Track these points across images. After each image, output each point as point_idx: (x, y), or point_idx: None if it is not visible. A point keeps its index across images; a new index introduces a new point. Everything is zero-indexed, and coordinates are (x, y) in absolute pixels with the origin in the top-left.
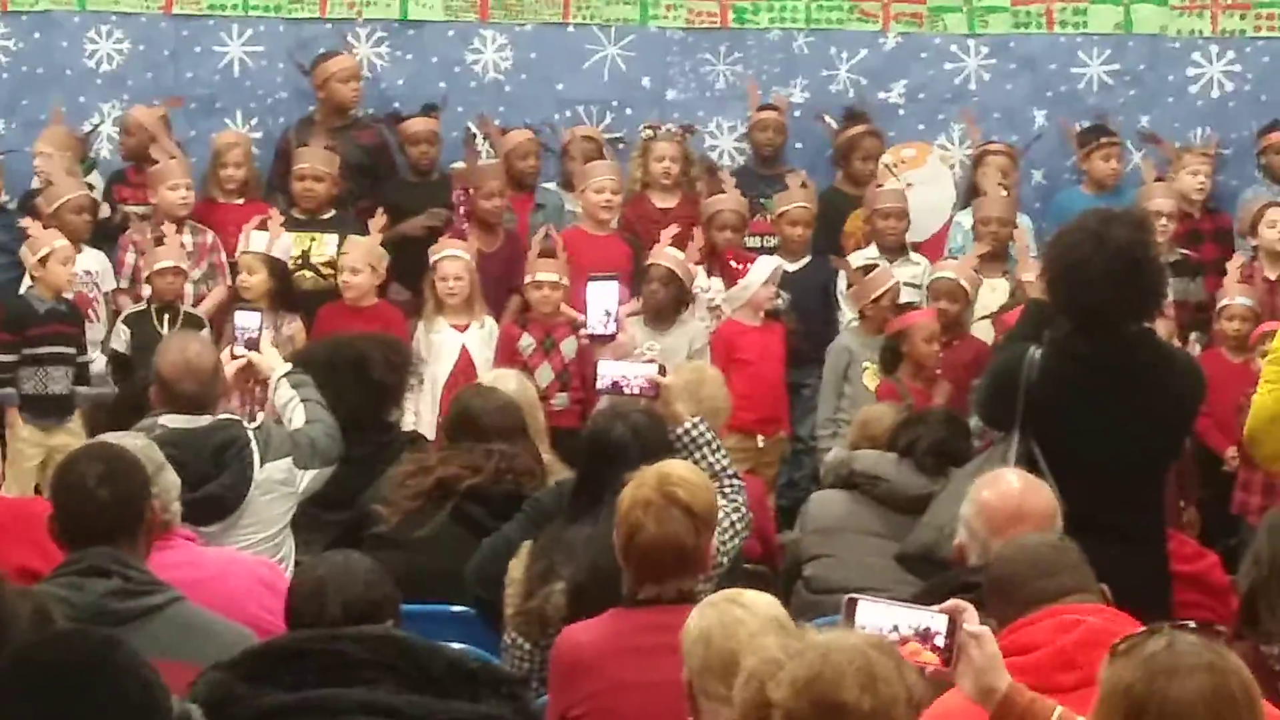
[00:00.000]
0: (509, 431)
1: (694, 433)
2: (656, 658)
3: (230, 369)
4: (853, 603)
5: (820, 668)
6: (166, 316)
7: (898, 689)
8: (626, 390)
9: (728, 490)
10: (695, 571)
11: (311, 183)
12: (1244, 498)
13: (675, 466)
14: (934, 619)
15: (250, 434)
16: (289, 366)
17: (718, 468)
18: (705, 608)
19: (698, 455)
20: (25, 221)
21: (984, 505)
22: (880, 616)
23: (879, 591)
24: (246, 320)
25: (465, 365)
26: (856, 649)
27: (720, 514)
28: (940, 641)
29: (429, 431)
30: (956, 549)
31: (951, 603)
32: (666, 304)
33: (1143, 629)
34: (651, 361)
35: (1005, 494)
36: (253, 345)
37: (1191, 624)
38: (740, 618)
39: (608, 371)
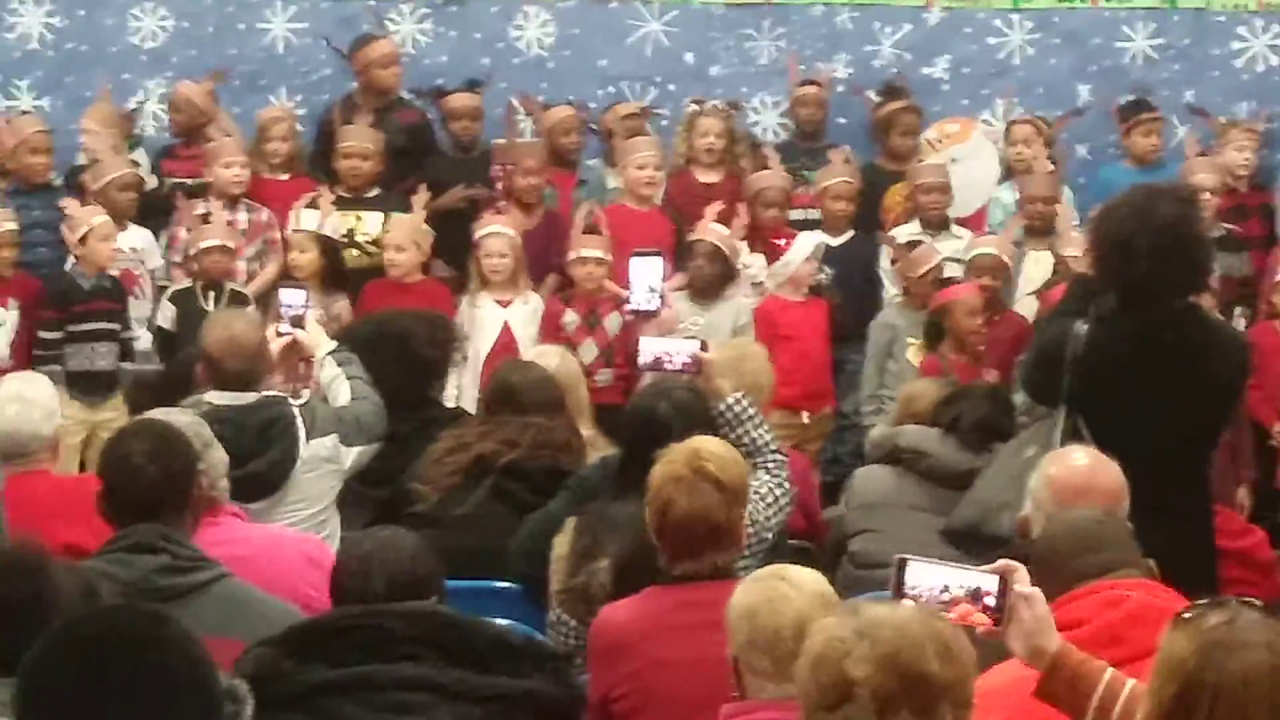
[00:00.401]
0: (547, 405)
1: (736, 408)
2: (697, 634)
3: (275, 346)
4: (903, 563)
5: (900, 642)
6: (212, 294)
7: (968, 659)
8: (669, 366)
9: (771, 466)
10: (729, 546)
11: (358, 161)
12: None
13: (705, 441)
14: (985, 579)
15: (296, 410)
16: (334, 344)
17: (760, 443)
18: (750, 583)
19: (740, 431)
20: (64, 202)
21: (1052, 479)
22: (931, 576)
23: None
24: (292, 298)
25: (507, 341)
26: (927, 622)
27: (764, 489)
28: (991, 601)
29: (471, 406)
30: (1021, 521)
31: (1002, 563)
32: (712, 280)
33: (1206, 600)
34: (693, 338)
35: (1075, 469)
36: (298, 323)
37: (1257, 601)
38: (786, 593)
39: (650, 348)
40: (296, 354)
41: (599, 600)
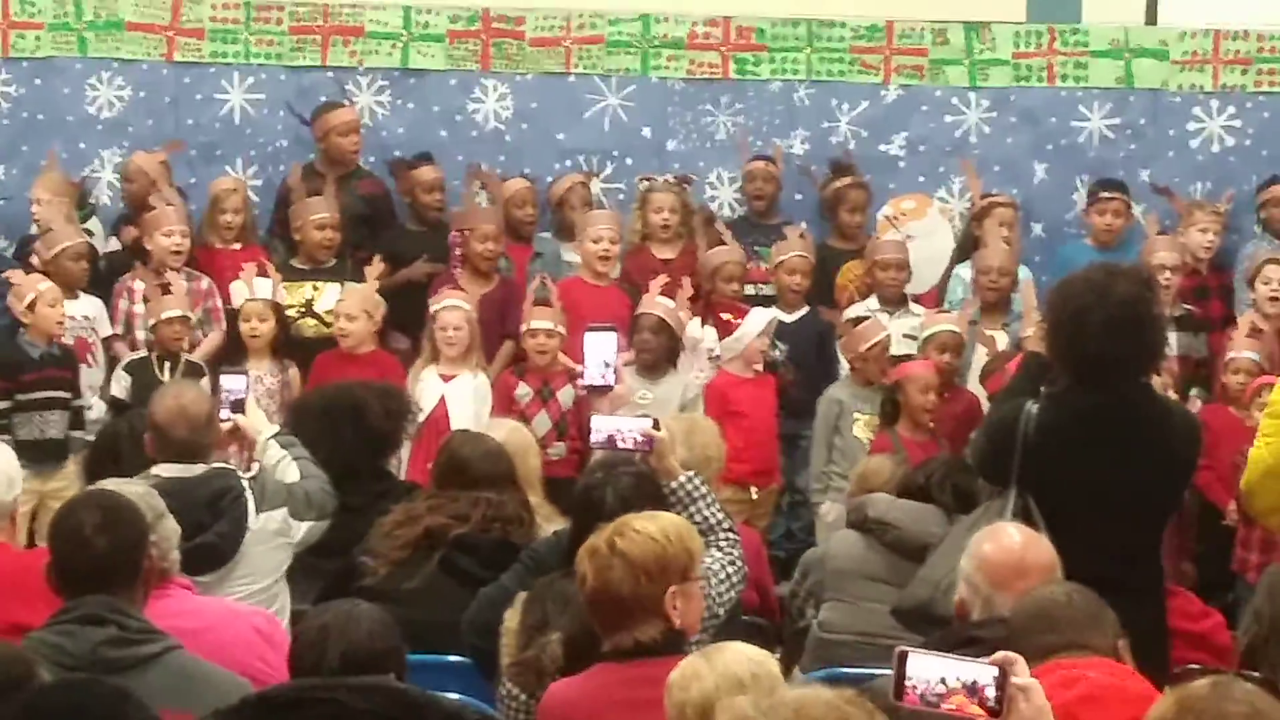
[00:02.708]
0: (497, 479)
1: (688, 486)
2: (643, 712)
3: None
4: (904, 656)
5: None
6: (167, 364)
7: None
8: (621, 444)
9: (724, 544)
10: (645, 621)
11: (330, 232)
12: (1243, 555)
13: (636, 517)
14: (983, 671)
15: (245, 483)
16: (276, 428)
17: (713, 521)
18: (684, 661)
19: (693, 509)
20: (8, 272)
21: (985, 559)
22: (931, 669)
23: (888, 640)
24: (233, 383)
25: (440, 415)
26: (830, 705)
27: (718, 565)
28: (991, 693)
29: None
30: (958, 604)
31: (1001, 655)
32: (658, 353)
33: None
34: (646, 415)
35: (1006, 548)
36: (239, 408)
37: (1256, 674)
38: (699, 671)
39: (602, 426)
40: (238, 439)
41: (550, 674)
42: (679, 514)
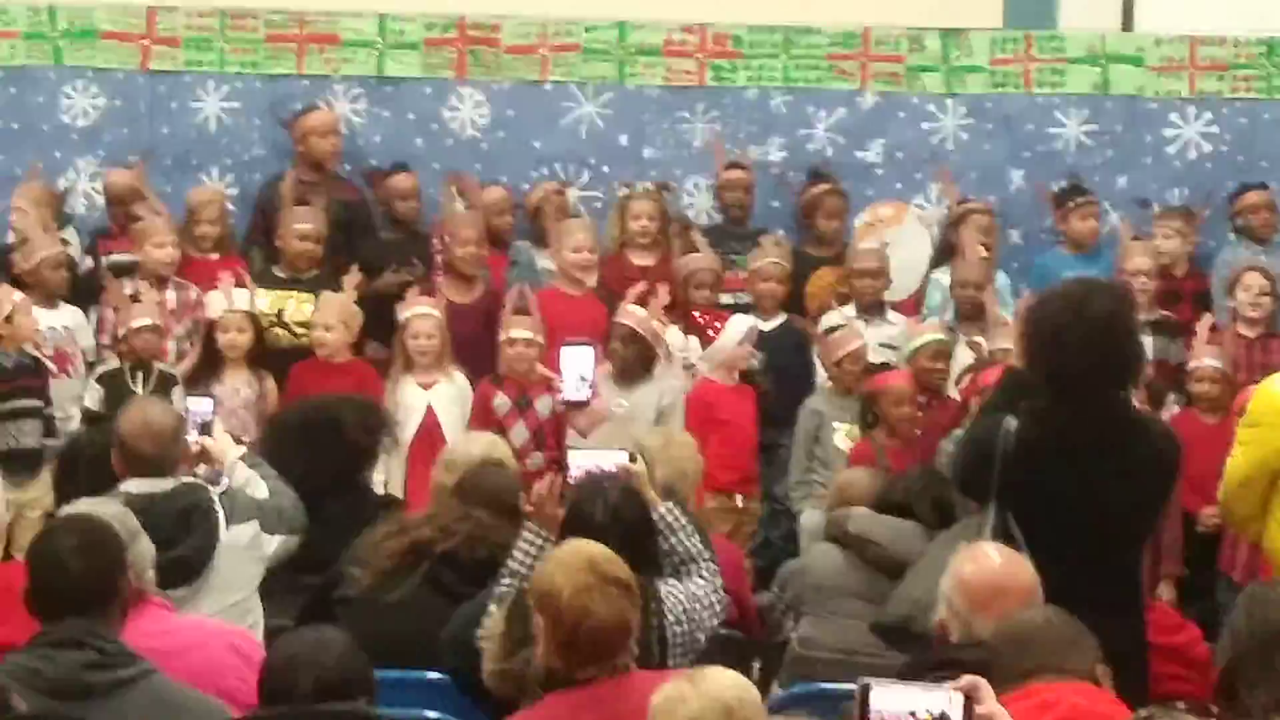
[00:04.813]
0: (501, 509)
1: (668, 518)
2: None
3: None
4: (866, 690)
5: None
6: (140, 374)
7: None
8: None
9: (706, 574)
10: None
11: (313, 244)
12: (1230, 553)
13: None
14: (950, 700)
15: (215, 497)
16: (243, 449)
17: (694, 551)
18: (669, 681)
19: (674, 540)
20: None
21: (964, 581)
22: (896, 701)
23: (867, 656)
24: (199, 405)
25: (431, 424)
26: None
27: (701, 593)
28: None
29: (398, 493)
30: (938, 625)
31: (967, 680)
32: (630, 362)
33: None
34: (622, 449)
35: (986, 569)
36: (206, 430)
37: (1181, 704)
38: (684, 695)
39: (578, 462)
40: (205, 461)
41: (531, 688)
42: (660, 543)
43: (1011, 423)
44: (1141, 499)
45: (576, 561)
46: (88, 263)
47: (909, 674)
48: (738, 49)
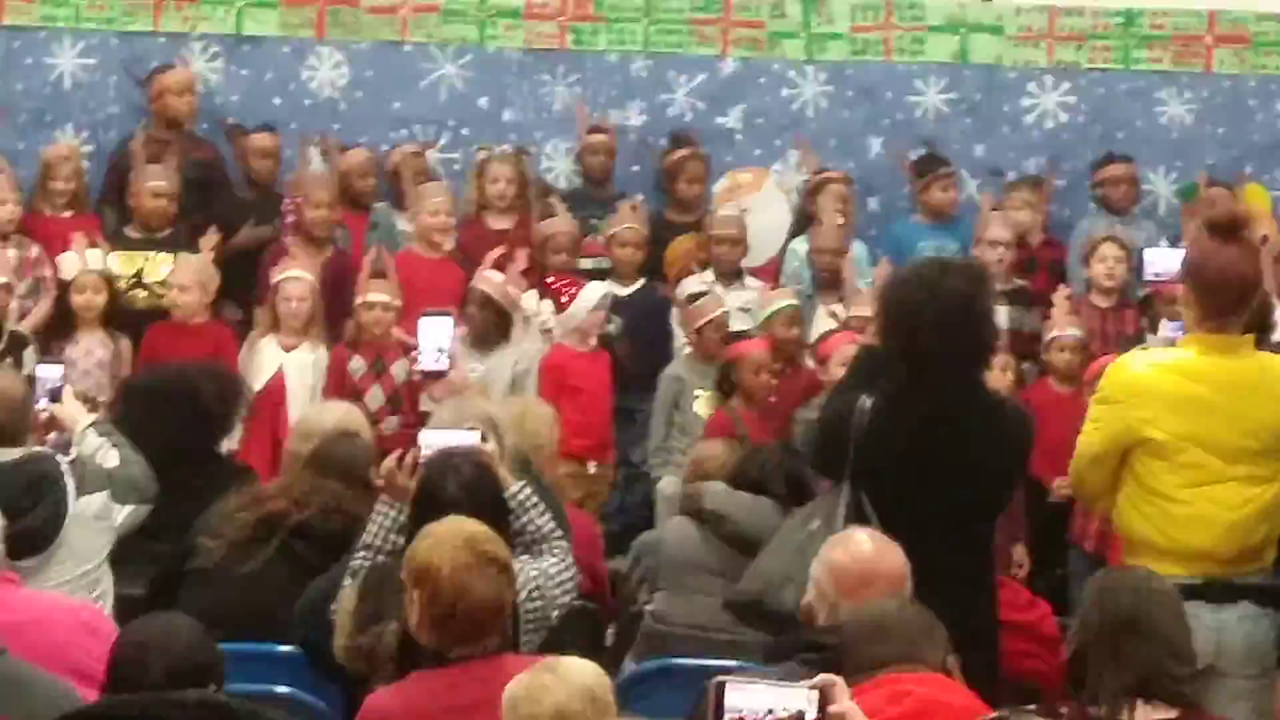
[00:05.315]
0: (353, 480)
1: (520, 497)
2: (471, 715)
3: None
4: (720, 687)
5: None
6: None
7: None
8: None
9: (557, 551)
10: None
11: (165, 201)
12: (1082, 524)
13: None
14: (807, 698)
15: (64, 467)
16: (93, 417)
17: (546, 530)
18: (523, 673)
19: (525, 519)
20: None
21: (834, 566)
22: (750, 699)
23: (720, 633)
24: (48, 372)
25: (277, 386)
26: None
27: (553, 570)
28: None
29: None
30: (804, 608)
31: (822, 678)
32: (485, 327)
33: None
34: (474, 428)
35: (856, 555)
36: (55, 397)
37: (1032, 707)
38: (547, 684)
39: (431, 441)
40: (55, 428)
41: (383, 663)
42: (512, 522)
43: (866, 401)
44: (994, 477)
45: (455, 539)
46: None
47: (772, 656)
48: (599, 13)
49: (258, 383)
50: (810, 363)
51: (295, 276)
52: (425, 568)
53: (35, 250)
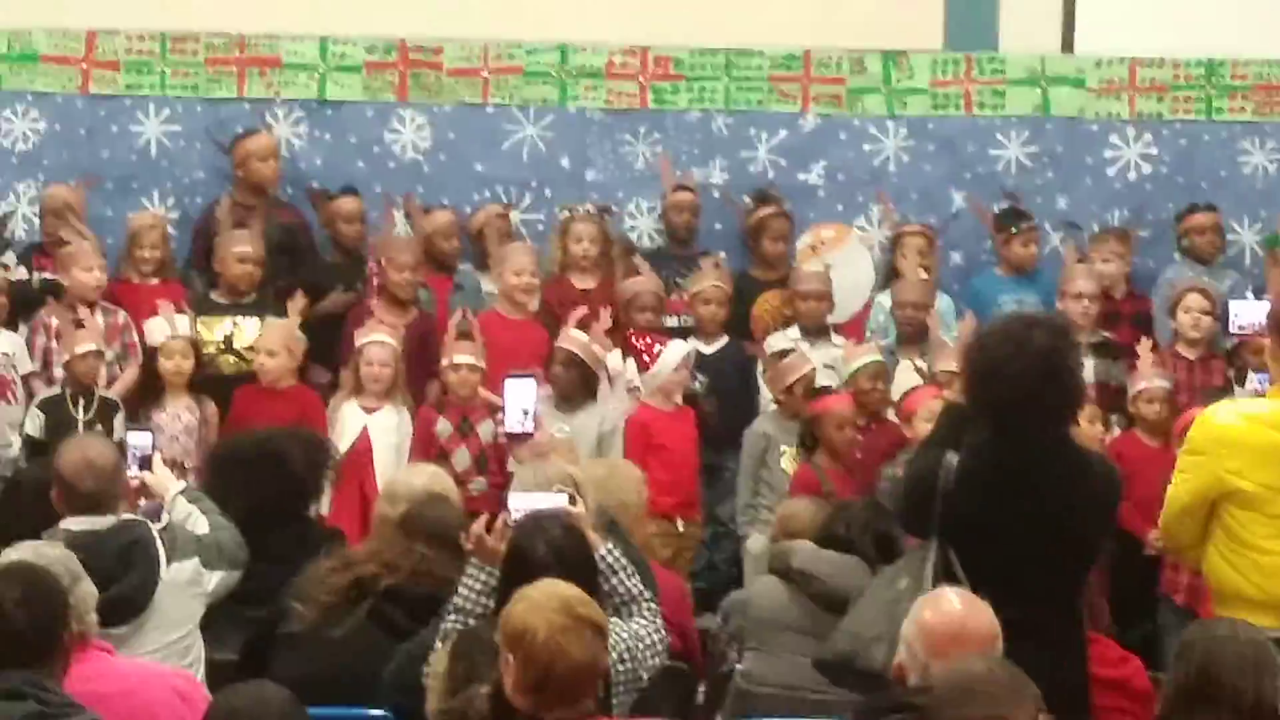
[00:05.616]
0: (445, 544)
1: (609, 559)
2: None
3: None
4: None
5: None
6: (81, 400)
7: None
8: None
9: (647, 614)
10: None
11: (252, 267)
12: (1172, 576)
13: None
14: None
15: (156, 533)
16: (184, 484)
17: (635, 592)
18: None
19: (614, 580)
20: None
21: (924, 626)
22: None
23: (810, 692)
24: (139, 440)
25: (364, 447)
26: None
27: (644, 633)
28: None
29: (323, 512)
30: (896, 668)
31: None
32: (571, 387)
33: None
34: (563, 491)
35: (946, 615)
36: (146, 465)
37: None
38: None
39: (519, 505)
40: (146, 495)
41: None
42: (601, 584)
43: (952, 457)
44: (1082, 533)
45: (551, 602)
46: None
47: (862, 716)
48: (679, 71)
49: (343, 446)
50: (894, 418)
51: (379, 341)
52: (521, 631)
53: (121, 316)
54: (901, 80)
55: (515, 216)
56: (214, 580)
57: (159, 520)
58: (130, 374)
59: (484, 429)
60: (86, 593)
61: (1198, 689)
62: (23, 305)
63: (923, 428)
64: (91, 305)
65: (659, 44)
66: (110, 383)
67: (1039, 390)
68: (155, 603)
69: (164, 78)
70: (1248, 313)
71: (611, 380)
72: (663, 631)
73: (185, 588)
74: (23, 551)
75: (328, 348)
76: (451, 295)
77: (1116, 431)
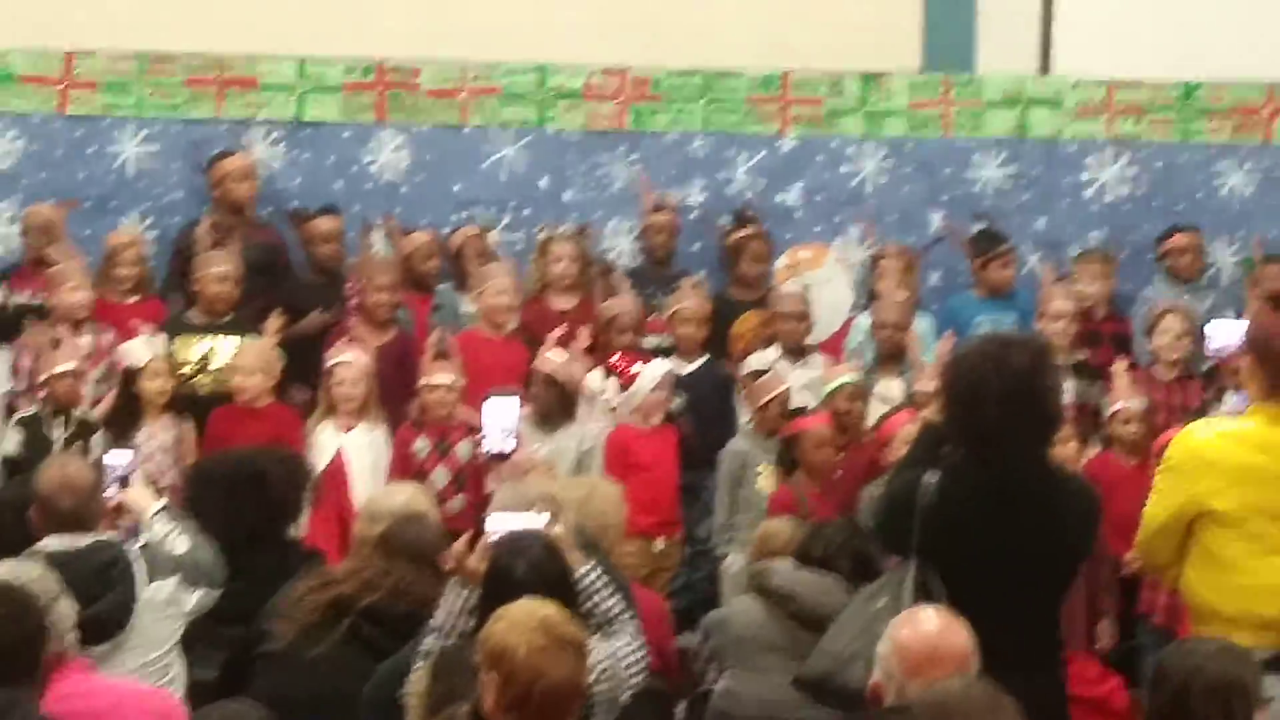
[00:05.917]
0: (425, 564)
1: (587, 579)
2: None
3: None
4: None
5: None
6: (60, 420)
7: None
8: None
9: (627, 633)
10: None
11: (230, 287)
12: (1150, 595)
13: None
14: None
15: (134, 553)
16: (162, 503)
17: (615, 611)
18: None
19: (596, 598)
20: None
21: (899, 644)
22: None
23: (790, 712)
24: (116, 459)
25: (337, 468)
26: None
27: (624, 652)
28: None
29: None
30: (872, 687)
31: None
32: (549, 407)
33: None
34: (543, 511)
35: (922, 634)
36: (124, 484)
37: None
38: None
39: (498, 526)
40: (124, 515)
41: None
42: (581, 604)
43: (931, 477)
44: (1060, 554)
45: (531, 621)
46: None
47: None
48: (658, 92)
49: (319, 465)
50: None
51: (345, 361)
52: (501, 650)
53: (111, 336)
54: (880, 102)
55: (494, 237)
56: (193, 599)
57: (137, 540)
58: (112, 395)
59: (462, 448)
60: (66, 611)
61: (1172, 717)
62: (2, 330)
63: (901, 452)
64: (80, 324)
65: (637, 65)
66: (96, 402)
67: (1017, 411)
68: (134, 622)
69: (142, 99)
70: (1225, 334)
71: (590, 401)
72: (643, 651)
73: (164, 607)
74: (1, 570)
75: (308, 367)
76: (430, 315)
77: (1094, 451)
